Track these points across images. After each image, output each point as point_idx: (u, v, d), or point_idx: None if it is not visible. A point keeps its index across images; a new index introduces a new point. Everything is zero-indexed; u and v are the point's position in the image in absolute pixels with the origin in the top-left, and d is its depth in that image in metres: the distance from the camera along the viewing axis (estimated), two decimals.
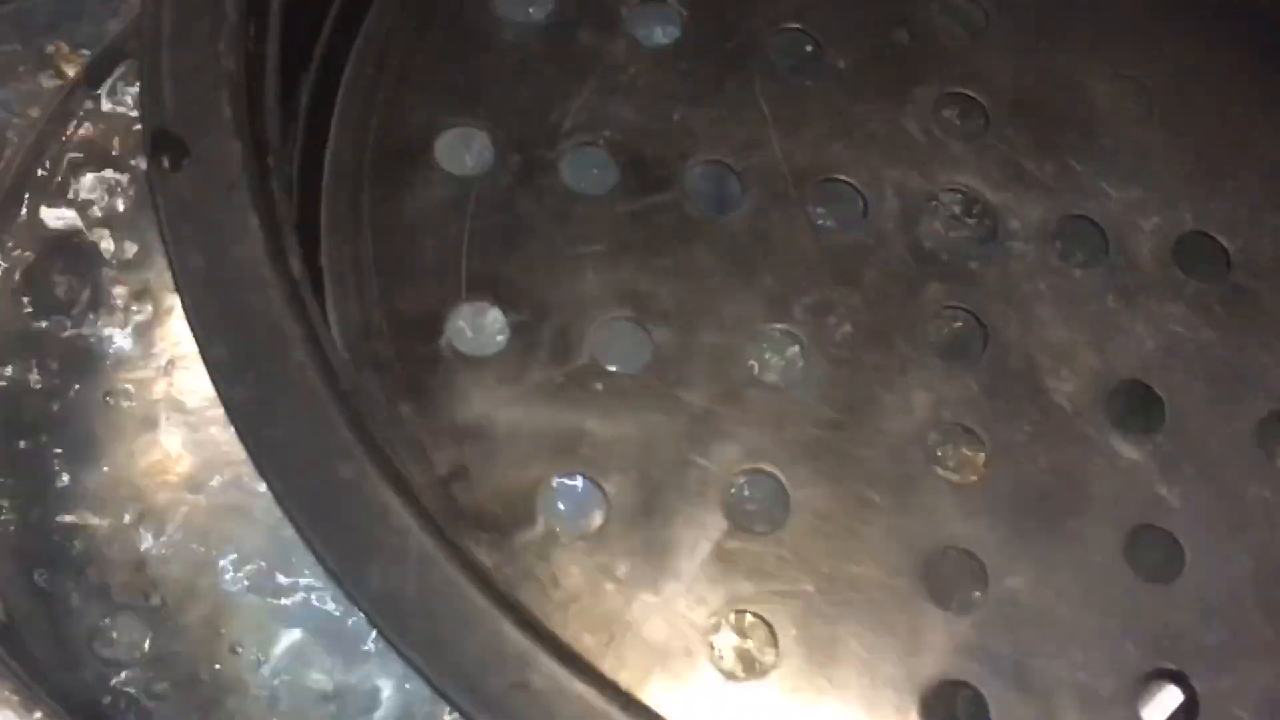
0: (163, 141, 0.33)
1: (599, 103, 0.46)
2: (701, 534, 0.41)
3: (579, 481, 0.42)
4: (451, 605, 0.30)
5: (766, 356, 0.45)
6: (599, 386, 0.43)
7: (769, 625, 0.41)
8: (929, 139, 0.48)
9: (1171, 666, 0.42)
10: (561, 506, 0.42)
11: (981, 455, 0.44)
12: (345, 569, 0.29)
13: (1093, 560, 0.43)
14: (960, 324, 0.46)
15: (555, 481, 0.42)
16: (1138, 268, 0.47)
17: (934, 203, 0.47)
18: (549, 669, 0.30)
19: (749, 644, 0.41)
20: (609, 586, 0.40)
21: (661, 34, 0.48)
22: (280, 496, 0.29)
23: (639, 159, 0.46)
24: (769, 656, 0.41)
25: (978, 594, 0.42)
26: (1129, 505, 0.44)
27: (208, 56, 0.34)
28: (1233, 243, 0.48)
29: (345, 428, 0.30)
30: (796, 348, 0.45)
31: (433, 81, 0.46)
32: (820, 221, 0.47)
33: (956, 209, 0.47)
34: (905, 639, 0.41)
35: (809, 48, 0.49)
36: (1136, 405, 0.45)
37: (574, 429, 0.42)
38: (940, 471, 0.44)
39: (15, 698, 0.39)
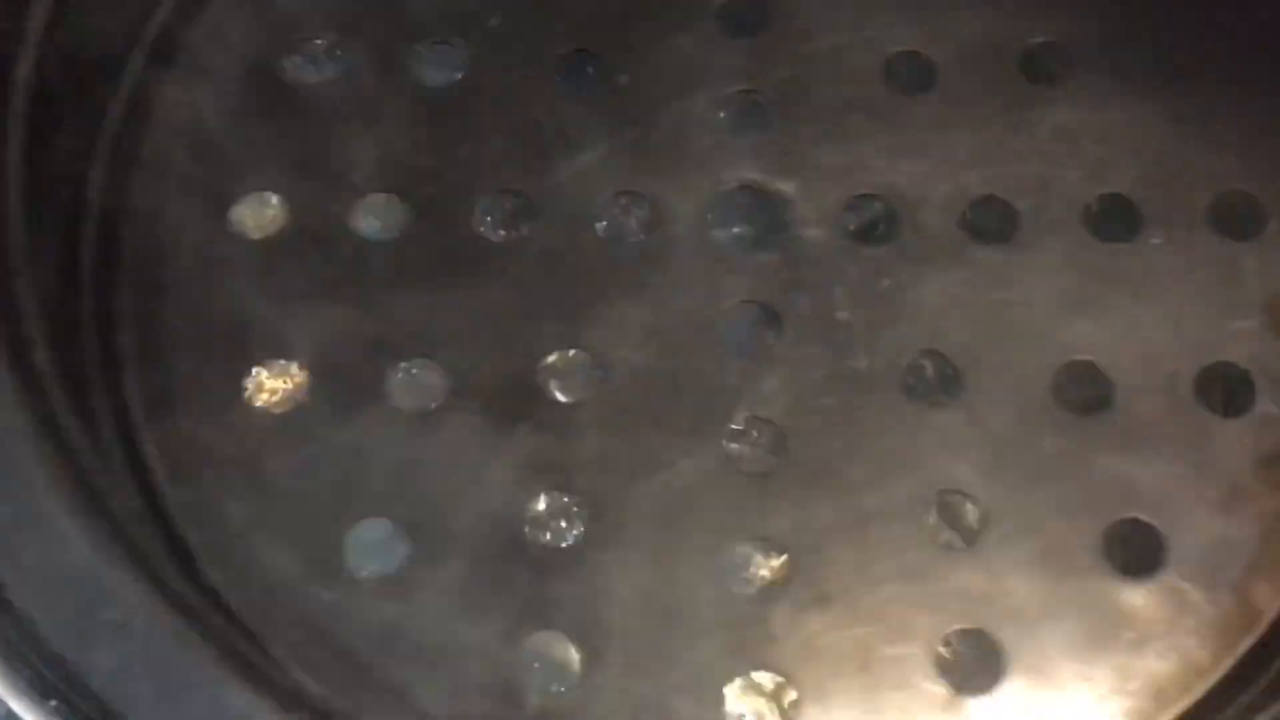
0: None
1: (387, 150, 0.48)
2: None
3: (382, 524, 0.44)
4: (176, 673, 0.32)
5: (563, 373, 0.46)
6: (398, 427, 0.45)
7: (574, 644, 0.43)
8: (714, 140, 0.49)
9: (974, 627, 0.43)
10: (362, 551, 0.44)
11: (783, 443, 0.45)
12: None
13: (895, 531, 0.44)
14: (756, 317, 0.47)
15: (361, 524, 0.44)
16: (928, 238, 0.48)
17: (722, 201, 0.48)
18: None
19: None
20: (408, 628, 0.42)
21: (447, 75, 0.50)
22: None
23: (430, 198, 0.48)
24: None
25: (771, 578, 0.43)
26: (932, 474, 0.45)
27: None
28: (1020, 202, 0.48)
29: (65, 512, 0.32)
30: (592, 362, 0.46)
31: (225, 149, 0.48)
32: (611, 235, 0.48)
33: (745, 205, 0.48)
34: (715, 630, 0.43)
35: (590, 69, 0.50)
36: (934, 374, 0.46)
37: (375, 471, 0.44)
38: (742, 465, 0.45)
39: None
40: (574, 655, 0.43)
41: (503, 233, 0.48)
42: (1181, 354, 0.47)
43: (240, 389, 0.45)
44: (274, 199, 0.48)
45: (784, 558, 0.44)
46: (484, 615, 0.43)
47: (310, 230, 0.47)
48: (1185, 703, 0.43)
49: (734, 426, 0.46)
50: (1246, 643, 0.43)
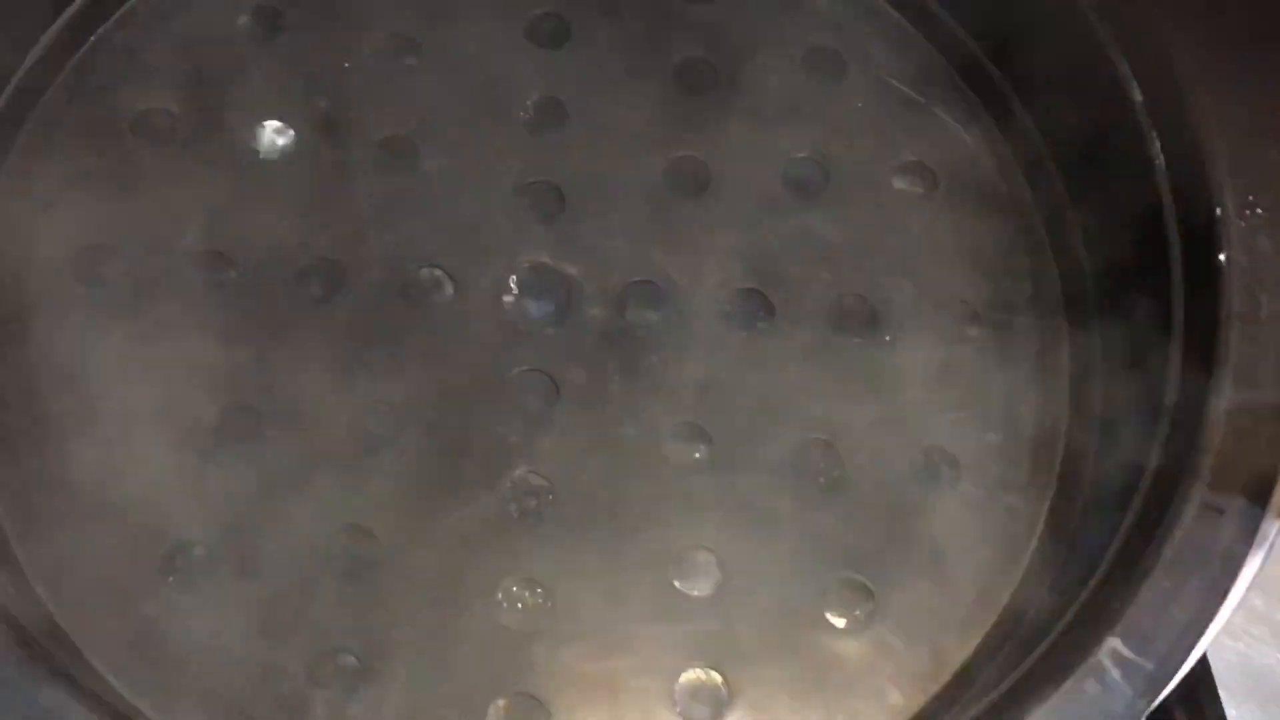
0: None
1: (217, 214, 0.54)
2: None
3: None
4: None
5: (367, 423, 0.52)
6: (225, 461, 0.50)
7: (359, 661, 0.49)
8: (512, 223, 0.56)
9: (707, 666, 0.50)
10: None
11: (550, 496, 0.52)
12: None
13: (644, 579, 0.51)
14: (539, 384, 0.54)
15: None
16: (695, 322, 0.55)
17: (517, 279, 0.55)
18: None
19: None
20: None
21: (277, 148, 0.56)
22: None
23: (256, 263, 0.53)
24: None
25: (535, 613, 0.50)
26: (680, 529, 0.52)
27: None
28: (778, 295, 0.56)
29: None
30: (392, 415, 0.52)
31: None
32: (415, 303, 0.54)
33: (536, 283, 0.55)
34: (483, 656, 0.49)
35: (403, 157, 0.56)
36: (689, 441, 0.53)
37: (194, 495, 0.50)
38: (516, 514, 0.51)
39: None
40: (359, 669, 0.49)
41: (319, 294, 0.54)
42: (904, 437, 0.54)
43: None
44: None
45: (547, 597, 0.50)
46: (287, 635, 0.49)
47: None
48: None
49: (512, 479, 0.52)
50: (934, 688, 0.51)
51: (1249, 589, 0.58)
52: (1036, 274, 0.57)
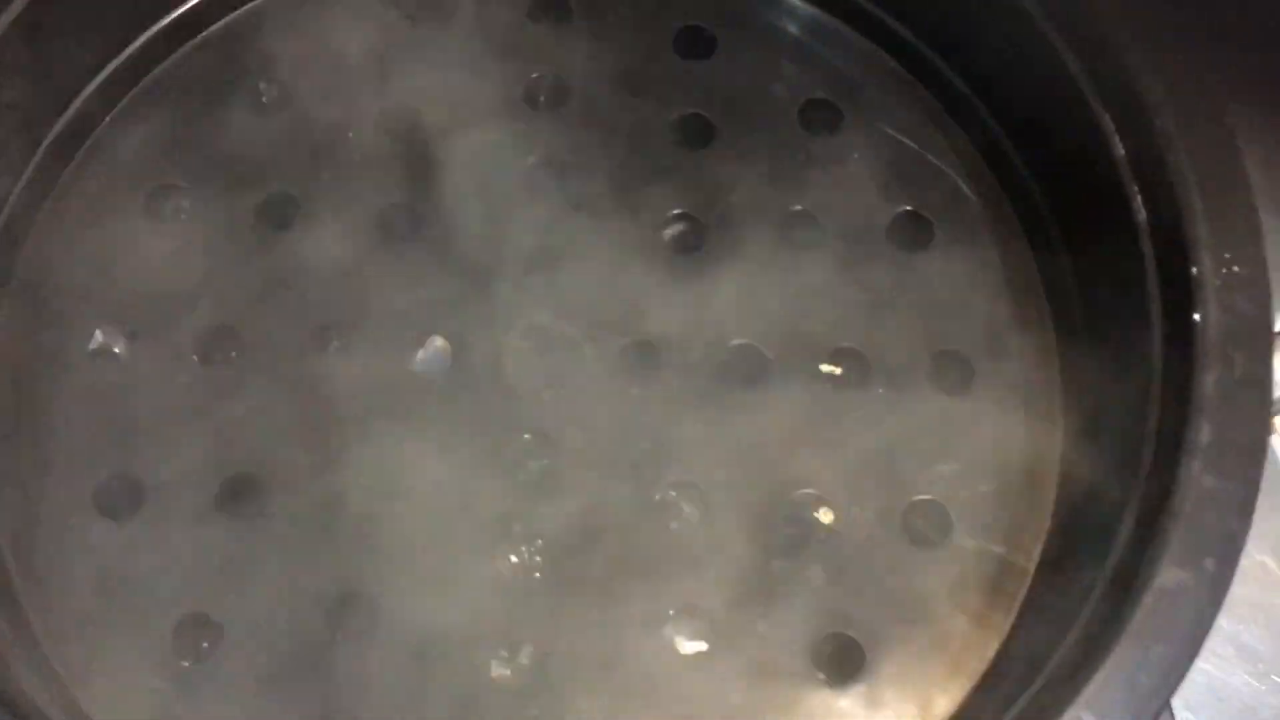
0: None
1: (222, 291, 0.56)
2: None
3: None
4: None
5: (367, 487, 0.54)
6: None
7: None
8: (511, 287, 0.57)
9: None
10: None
11: (550, 558, 0.53)
12: None
13: (637, 638, 0.53)
14: (536, 446, 0.55)
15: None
16: (689, 379, 0.56)
17: (515, 341, 0.56)
18: None
19: None
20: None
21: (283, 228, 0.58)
22: None
23: (262, 335, 0.56)
24: None
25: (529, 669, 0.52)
26: (673, 588, 0.53)
27: None
28: (770, 351, 0.57)
29: None
30: (393, 480, 0.54)
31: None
32: (422, 369, 0.56)
33: (534, 346, 0.57)
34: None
35: (406, 221, 0.58)
36: (683, 500, 0.55)
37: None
38: (513, 575, 0.53)
39: None
40: None
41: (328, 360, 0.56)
42: (892, 490, 0.55)
43: None
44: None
45: (541, 654, 0.52)
46: (286, 703, 0.51)
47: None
48: None
49: (509, 543, 0.53)
50: None
51: None
52: (1030, 324, 0.57)
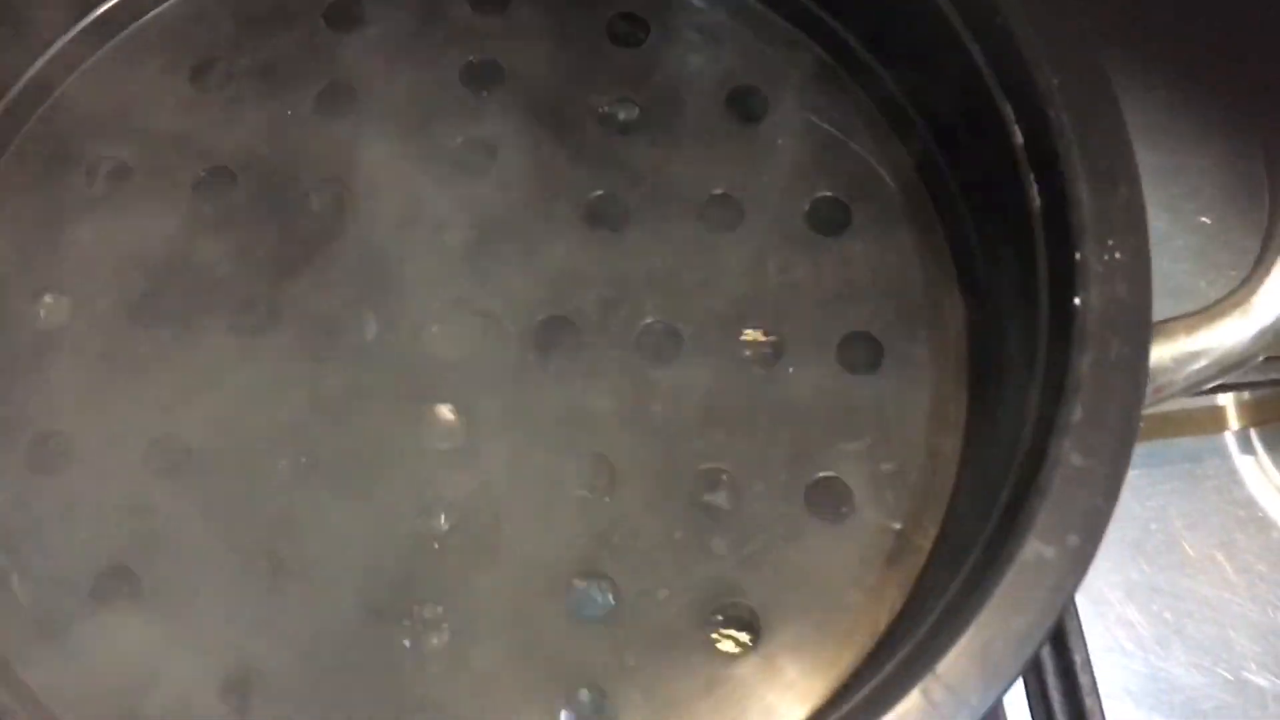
0: None
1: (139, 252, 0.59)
2: None
3: None
4: None
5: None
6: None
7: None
8: (437, 262, 0.59)
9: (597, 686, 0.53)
10: None
11: (454, 521, 0.55)
12: None
13: (540, 604, 0.54)
14: (451, 417, 0.57)
15: None
16: (602, 354, 0.58)
17: (435, 320, 0.58)
18: None
19: None
20: None
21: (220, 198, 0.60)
22: None
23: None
24: None
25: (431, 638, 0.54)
26: (578, 555, 0.55)
27: None
28: (685, 329, 0.59)
29: None
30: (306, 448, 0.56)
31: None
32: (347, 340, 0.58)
33: (455, 320, 0.59)
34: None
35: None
36: (594, 472, 0.56)
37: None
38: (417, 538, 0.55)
39: None
40: None
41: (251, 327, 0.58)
42: (798, 467, 0.56)
43: None
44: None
45: (444, 624, 0.54)
46: None
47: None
48: None
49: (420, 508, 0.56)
50: (814, 703, 0.53)
51: (1161, 598, 0.61)
52: (941, 308, 0.59)
